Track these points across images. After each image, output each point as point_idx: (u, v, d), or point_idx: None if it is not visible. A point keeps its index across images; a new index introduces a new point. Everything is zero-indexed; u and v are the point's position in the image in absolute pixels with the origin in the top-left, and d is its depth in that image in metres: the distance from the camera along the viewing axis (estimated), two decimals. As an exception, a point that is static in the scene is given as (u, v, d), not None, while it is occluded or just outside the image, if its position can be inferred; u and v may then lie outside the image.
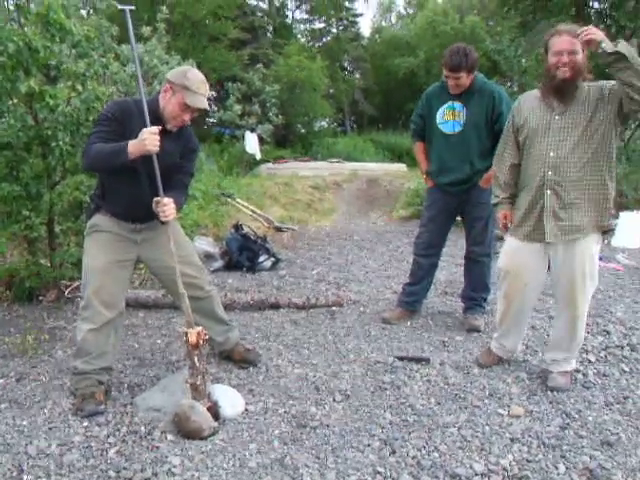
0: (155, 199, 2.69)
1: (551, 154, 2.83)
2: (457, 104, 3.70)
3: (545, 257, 2.97)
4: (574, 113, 2.78)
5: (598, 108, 2.73)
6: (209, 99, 2.86)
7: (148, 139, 2.55)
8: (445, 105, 3.74)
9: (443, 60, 3.61)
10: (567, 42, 2.71)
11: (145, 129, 2.58)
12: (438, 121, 3.77)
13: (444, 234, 4.01)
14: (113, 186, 2.82)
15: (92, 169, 2.85)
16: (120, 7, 2.77)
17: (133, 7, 2.80)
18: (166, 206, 2.67)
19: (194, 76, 2.73)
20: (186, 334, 2.65)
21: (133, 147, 2.57)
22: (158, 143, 2.58)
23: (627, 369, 3.21)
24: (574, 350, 3.03)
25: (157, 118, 2.72)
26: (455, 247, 6.20)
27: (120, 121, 2.70)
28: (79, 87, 3.96)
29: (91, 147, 2.66)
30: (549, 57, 2.79)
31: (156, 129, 2.58)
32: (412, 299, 4.12)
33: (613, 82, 2.69)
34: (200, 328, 2.70)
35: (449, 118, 3.73)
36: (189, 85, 2.69)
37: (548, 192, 2.86)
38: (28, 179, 4.05)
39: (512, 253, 3.09)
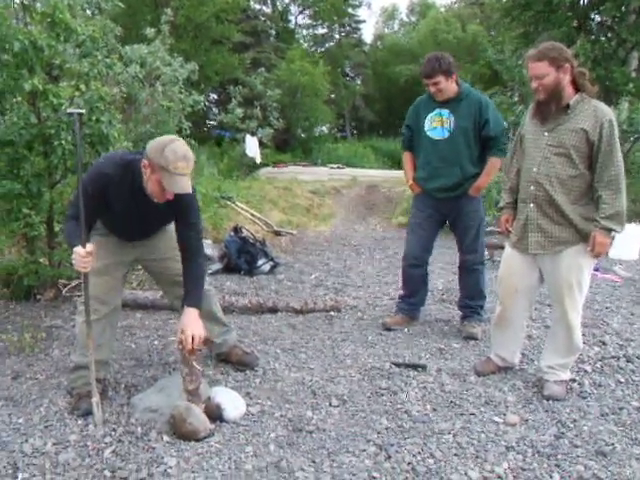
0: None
1: (534, 169, 2.90)
2: (444, 111, 3.74)
3: (535, 266, 3.01)
4: (562, 133, 2.81)
5: (581, 137, 2.77)
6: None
7: (76, 261, 2.48)
8: (432, 113, 3.78)
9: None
10: (532, 68, 2.80)
11: (76, 249, 2.48)
12: (426, 128, 3.80)
13: (429, 243, 4.00)
14: (104, 223, 2.85)
15: None
16: (69, 111, 2.72)
17: (83, 111, 2.78)
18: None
19: (172, 153, 2.43)
20: (181, 341, 2.64)
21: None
22: (88, 265, 2.49)
23: (623, 380, 3.22)
24: (570, 356, 3.04)
25: (141, 189, 2.61)
26: (453, 254, 6.21)
27: (97, 197, 2.60)
28: (82, 87, 3.97)
29: (67, 224, 2.66)
30: None
31: (84, 252, 2.47)
32: (410, 307, 4.14)
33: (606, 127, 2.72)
34: (197, 330, 2.69)
35: (437, 124, 3.76)
36: (166, 165, 2.43)
37: (531, 205, 2.93)
38: (29, 177, 4.05)
39: (506, 259, 3.16)
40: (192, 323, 2.68)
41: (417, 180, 3.95)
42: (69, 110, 2.74)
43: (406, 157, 4.08)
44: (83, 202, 2.54)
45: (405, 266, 4.09)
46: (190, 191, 2.55)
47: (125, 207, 2.68)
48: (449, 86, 3.67)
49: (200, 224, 2.90)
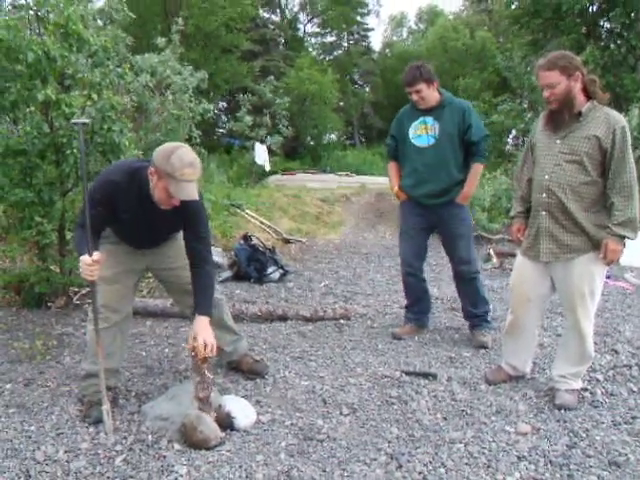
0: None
1: (546, 177, 2.89)
2: (428, 119, 3.76)
3: (547, 274, 3.00)
4: (574, 140, 2.81)
5: (593, 144, 2.76)
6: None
7: (82, 269, 2.52)
8: (417, 121, 3.81)
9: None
10: (543, 78, 2.81)
11: (82, 258, 2.50)
12: (411, 136, 3.82)
13: (421, 249, 4.01)
14: (114, 232, 2.86)
15: None
16: (73, 121, 2.75)
17: (87, 121, 2.80)
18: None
19: (178, 160, 2.44)
20: (193, 349, 2.65)
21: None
22: (94, 274, 2.52)
23: (635, 389, 3.19)
24: (582, 365, 3.02)
25: (149, 196, 2.62)
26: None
27: (105, 204, 2.63)
28: (94, 96, 4.01)
29: (76, 232, 2.71)
30: None
31: (90, 260, 2.49)
32: (417, 316, 4.14)
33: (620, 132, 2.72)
34: (208, 339, 2.69)
35: (422, 132, 3.79)
36: (172, 172, 2.43)
37: (543, 213, 2.92)
38: (41, 186, 4.09)
39: (517, 268, 3.16)
40: (203, 331, 2.69)
41: (404, 187, 3.94)
42: (73, 120, 2.75)
43: (391, 166, 4.08)
44: (91, 210, 2.56)
45: (403, 274, 4.11)
46: (197, 197, 2.55)
47: (133, 214, 2.69)
48: (431, 94, 3.71)
49: (208, 232, 2.90)
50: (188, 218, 2.76)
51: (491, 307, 4.08)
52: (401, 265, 4.12)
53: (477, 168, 3.79)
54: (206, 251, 2.86)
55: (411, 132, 3.82)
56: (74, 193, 4.43)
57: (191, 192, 2.50)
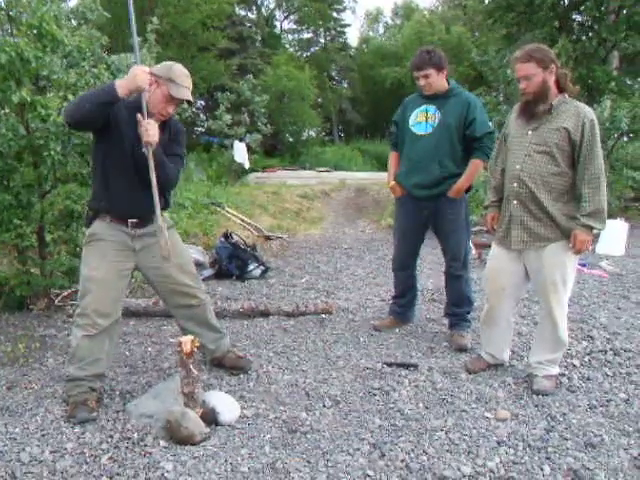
0: (139, 118, 2.72)
1: (517, 167, 2.97)
2: (431, 107, 3.69)
3: (521, 263, 3.07)
4: (544, 131, 2.89)
5: (563, 136, 2.84)
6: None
7: (139, 75, 2.63)
8: (419, 108, 3.73)
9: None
10: (519, 70, 2.88)
11: (135, 66, 2.67)
12: (410, 123, 3.75)
13: (415, 249, 3.97)
14: (108, 180, 2.83)
15: (76, 120, 2.65)
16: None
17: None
18: (149, 125, 2.71)
19: (179, 70, 2.85)
20: (180, 343, 2.68)
21: (122, 83, 2.64)
22: (148, 79, 2.69)
23: (610, 373, 3.28)
24: (557, 352, 3.10)
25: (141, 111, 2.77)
26: (440, 254, 6.26)
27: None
28: (70, 97, 3.99)
29: (78, 100, 2.69)
30: None
31: (146, 67, 2.71)
32: (402, 310, 4.14)
33: (589, 126, 2.80)
34: (192, 337, 2.73)
35: (421, 120, 3.71)
36: (174, 78, 2.81)
37: (514, 202, 3.00)
38: (19, 188, 4.07)
39: (492, 258, 3.23)
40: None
41: (398, 177, 3.86)
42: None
43: (392, 157, 3.99)
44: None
45: (394, 270, 4.12)
46: (191, 99, 2.91)
47: (125, 127, 2.78)
48: (439, 80, 3.62)
49: (184, 154, 3.18)
50: (173, 136, 3.01)
51: (476, 301, 4.07)
52: (392, 260, 4.10)
53: (476, 164, 3.65)
54: (179, 166, 3.11)
55: (411, 119, 3.75)
56: (52, 195, 4.40)
57: (189, 95, 2.88)
